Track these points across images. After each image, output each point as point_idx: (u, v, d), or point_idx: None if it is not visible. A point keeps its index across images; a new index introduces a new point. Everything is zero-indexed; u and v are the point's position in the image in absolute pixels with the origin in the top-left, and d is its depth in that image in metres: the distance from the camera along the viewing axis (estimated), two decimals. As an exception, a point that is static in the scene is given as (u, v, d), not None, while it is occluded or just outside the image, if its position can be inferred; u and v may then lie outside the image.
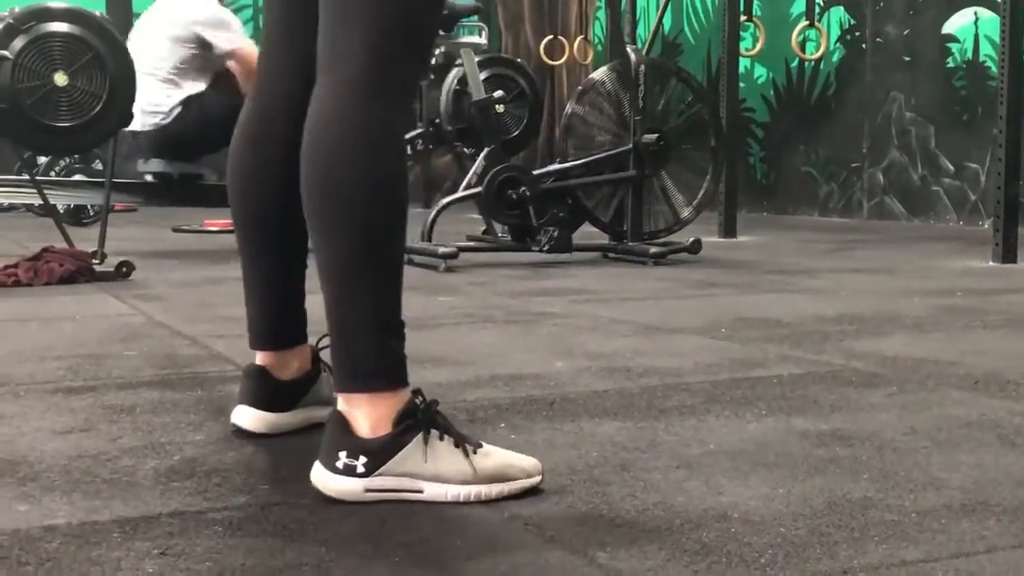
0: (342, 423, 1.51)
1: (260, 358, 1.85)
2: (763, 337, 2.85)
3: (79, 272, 4.09)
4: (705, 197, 5.29)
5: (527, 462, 1.55)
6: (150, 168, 5.38)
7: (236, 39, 5.34)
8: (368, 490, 1.49)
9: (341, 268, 1.52)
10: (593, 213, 5.07)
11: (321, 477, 1.51)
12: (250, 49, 5.31)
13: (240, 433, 1.84)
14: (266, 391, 1.83)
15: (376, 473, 1.49)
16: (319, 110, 1.54)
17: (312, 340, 1.88)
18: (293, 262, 1.83)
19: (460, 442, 1.52)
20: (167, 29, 5.34)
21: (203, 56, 5.32)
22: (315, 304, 1.85)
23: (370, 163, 1.51)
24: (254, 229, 1.82)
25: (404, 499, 1.49)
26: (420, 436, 1.50)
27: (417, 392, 1.54)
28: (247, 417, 1.83)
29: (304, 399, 1.86)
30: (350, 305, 1.52)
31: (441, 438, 1.51)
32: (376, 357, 1.52)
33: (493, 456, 1.53)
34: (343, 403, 1.53)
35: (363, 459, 1.49)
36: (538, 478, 1.54)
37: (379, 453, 1.49)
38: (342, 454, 1.49)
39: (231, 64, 5.34)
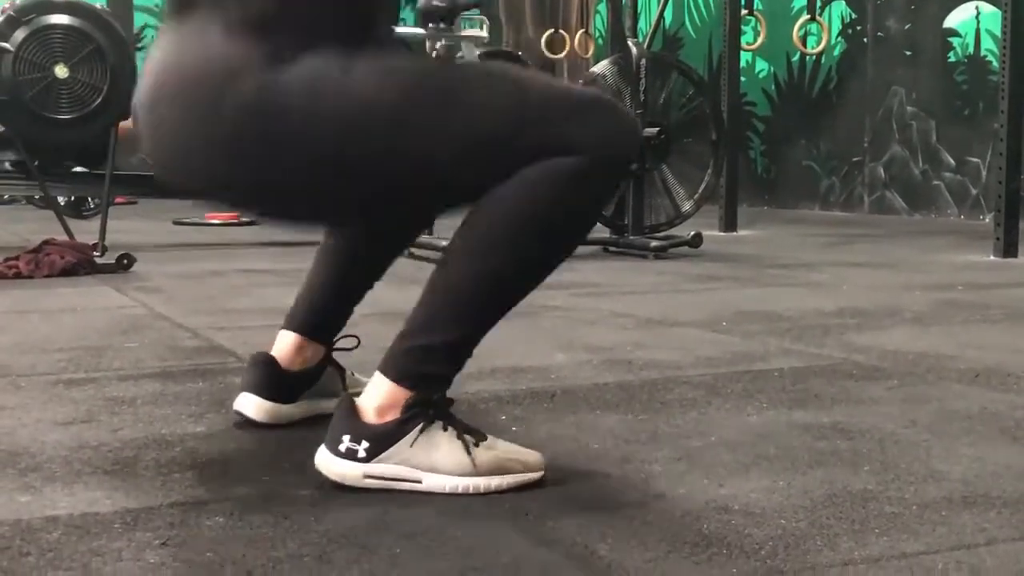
0: (350, 407, 1.52)
1: (279, 339, 1.86)
2: (764, 331, 2.85)
3: (80, 264, 4.09)
4: (706, 191, 5.29)
5: (530, 456, 1.55)
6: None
7: None
8: (367, 476, 1.49)
9: (461, 291, 1.51)
10: (594, 207, 5.06)
11: (323, 459, 1.52)
12: None
13: (242, 421, 1.85)
14: (272, 380, 1.83)
15: (376, 459, 1.49)
16: (538, 184, 1.48)
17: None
18: (365, 281, 1.89)
19: (463, 434, 1.52)
20: None
21: None
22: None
23: (571, 226, 1.53)
24: (347, 247, 1.87)
25: (403, 488, 1.49)
26: (423, 425, 1.50)
27: None
28: (251, 405, 1.83)
29: (309, 391, 1.86)
30: (446, 320, 1.51)
31: (445, 428, 1.51)
32: (430, 367, 1.52)
33: (495, 449, 1.53)
34: (374, 379, 1.53)
35: (365, 444, 1.49)
36: (539, 473, 1.54)
37: (381, 439, 1.49)
38: (345, 438, 1.50)
39: None
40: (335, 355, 1.91)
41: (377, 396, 1.52)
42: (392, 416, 1.50)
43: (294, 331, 1.87)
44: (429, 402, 1.51)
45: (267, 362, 1.85)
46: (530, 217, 1.48)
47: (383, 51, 1.53)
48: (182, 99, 1.49)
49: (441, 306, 1.52)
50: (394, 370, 1.52)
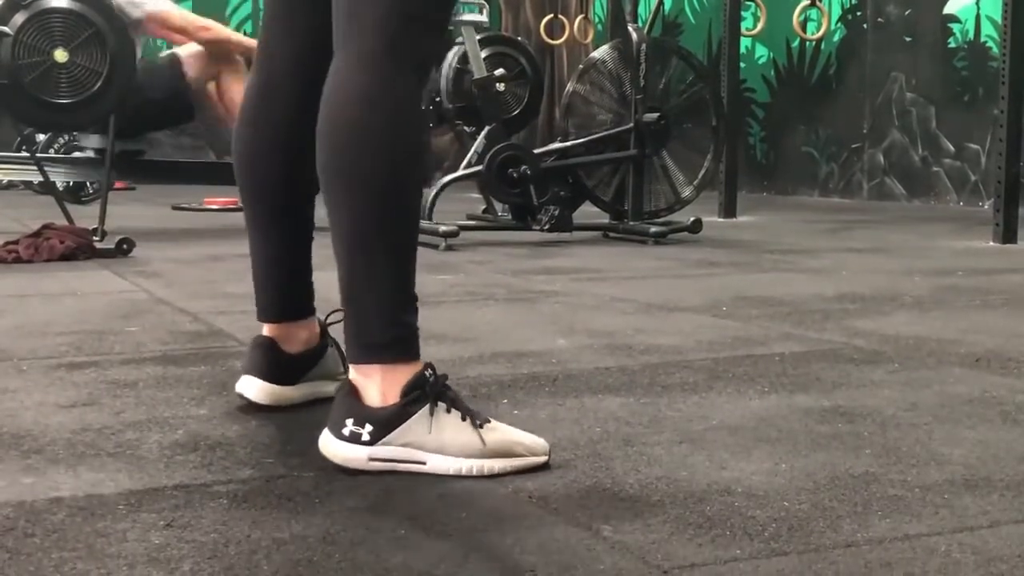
0: (351, 391, 1.52)
1: (267, 330, 1.85)
2: (764, 315, 2.85)
3: (79, 249, 4.09)
4: (706, 177, 5.28)
5: (533, 441, 1.55)
6: (90, 144, 5.28)
7: (147, 4, 5.22)
8: (372, 459, 1.50)
9: (357, 241, 1.52)
10: (594, 192, 5.07)
11: (327, 443, 1.52)
12: (164, 9, 5.21)
13: (245, 404, 1.85)
14: (273, 363, 1.83)
15: (381, 442, 1.50)
16: (336, 84, 1.54)
17: (321, 315, 1.88)
18: (299, 235, 1.84)
19: (467, 416, 1.52)
20: None
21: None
22: (323, 279, 1.86)
23: (388, 138, 1.51)
24: (259, 203, 1.83)
25: (408, 470, 1.50)
26: (427, 408, 1.51)
27: (428, 365, 1.55)
28: (253, 388, 1.83)
29: (310, 373, 1.86)
30: (365, 277, 1.52)
31: (448, 411, 1.52)
32: (388, 329, 1.52)
33: (499, 432, 1.53)
34: (355, 373, 1.53)
35: (369, 427, 1.49)
36: (543, 458, 1.54)
37: (385, 422, 1.50)
38: (348, 421, 1.50)
39: (153, 30, 5.24)
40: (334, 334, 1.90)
41: (372, 381, 1.52)
42: (393, 398, 1.51)
43: (272, 322, 1.85)
44: (427, 382, 1.51)
45: (268, 344, 1.84)
46: (354, 144, 1.51)
47: None
48: None
49: (355, 274, 1.52)
50: (365, 354, 1.52)
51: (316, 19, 1.69)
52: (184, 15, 5.29)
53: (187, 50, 5.26)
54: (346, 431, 1.50)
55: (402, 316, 1.54)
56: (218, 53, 5.24)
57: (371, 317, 1.53)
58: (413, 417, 1.50)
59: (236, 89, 5.19)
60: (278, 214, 1.83)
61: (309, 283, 1.87)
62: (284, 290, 1.85)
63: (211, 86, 5.28)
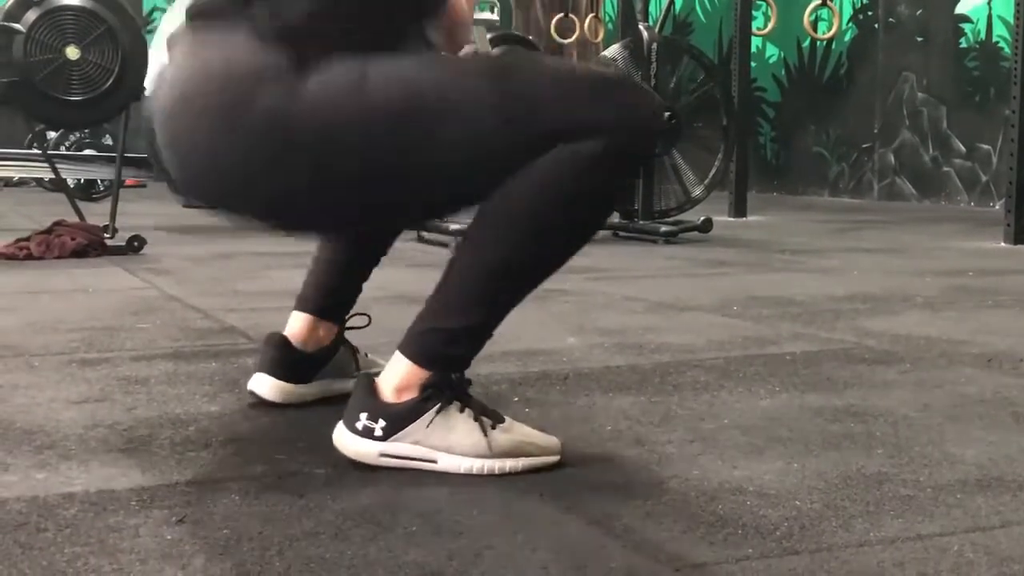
0: (369, 386, 1.52)
1: (288, 325, 1.86)
2: (775, 315, 2.85)
3: (91, 246, 4.10)
4: (716, 176, 5.28)
5: (546, 440, 1.55)
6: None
7: None
8: (383, 455, 1.50)
9: (485, 268, 1.51)
10: (604, 191, 5.06)
11: (340, 436, 1.52)
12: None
13: (256, 401, 1.85)
14: (286, 361, 1.84)
15: (393, 438, 1.50)
16: (554, 171, 1.46)
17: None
18: (370, 258, 1.89)
19: (479, 416, 1.52)
20: None
21: None
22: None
23: (587, 218, 1.53)
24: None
25: (419, 468, 1.50)
26: (440, 406, 1.51)
27: None
28: (265, 385, 1.84)
29: (322, 371, 1.87)
30: (463, 306, 1.51)
31: (461, 410, 1.52)
32: (449, 349, 1.52)
33: (512, 432, 1.53)
34: (394, 360, 1.53)
35: (382, 423, 1.50)
36: (555, 457, 1.54)
37: (398, 418, 1.50)
38: (363, 415, 1.50)
39: None
40: (348, 334, 1.91)
41: (396, 375, 1.52)
42: (410, 396, 1.51)
43: (306, 312, 1.87)
44: (447, 383, 1.51)
45: (281, 343, 1.85)
46: (546, 206, 1.47)
47: (404, 55, 1.50)
48: (205, 106, 1.46)
49: (458, 292, 1.52)
50: (413, 350, 1.52)
51: None
52: None
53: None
54: (359, 425, 1.50)
55: (469, 344, 1.53)
56: None
57: (446, 331, 1.51)
58: (426, 415, 1.50)
59: None
60: (364, 238, 1.88)
61: (354, 297, 1.90)
62: (329, 289, 1.88)
63: None
